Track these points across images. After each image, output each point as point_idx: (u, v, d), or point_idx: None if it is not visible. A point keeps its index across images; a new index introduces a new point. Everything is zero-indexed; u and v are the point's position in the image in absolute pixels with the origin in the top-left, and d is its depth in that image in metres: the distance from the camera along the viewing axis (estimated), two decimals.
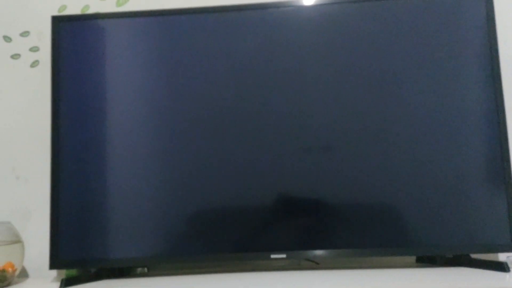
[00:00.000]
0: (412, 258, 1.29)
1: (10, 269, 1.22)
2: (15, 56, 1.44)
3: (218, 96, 1.28)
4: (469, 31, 1.25)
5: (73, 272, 1.28)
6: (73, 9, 1.44)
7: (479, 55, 1.24)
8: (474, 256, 1.21)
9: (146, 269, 1.32)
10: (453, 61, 1.25)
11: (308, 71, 1.27)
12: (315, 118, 1.25)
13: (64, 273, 1.29)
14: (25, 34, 1.45)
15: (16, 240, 1.27)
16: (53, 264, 1.23)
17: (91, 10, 1.44)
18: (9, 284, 1.24)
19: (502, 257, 1.25)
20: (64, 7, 1.44)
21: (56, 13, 1.43)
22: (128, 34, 1.32)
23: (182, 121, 1.27)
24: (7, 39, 1.45)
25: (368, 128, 1.24)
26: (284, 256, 1.20)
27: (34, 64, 1.44)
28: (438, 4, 1.27)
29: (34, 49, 1.44)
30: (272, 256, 1.20)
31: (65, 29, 1.30)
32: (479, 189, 1.21)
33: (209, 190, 1.25)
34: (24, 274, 1.36)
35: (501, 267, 1.15)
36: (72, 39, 1.31)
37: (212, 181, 1.25)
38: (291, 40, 1.28)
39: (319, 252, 1.21)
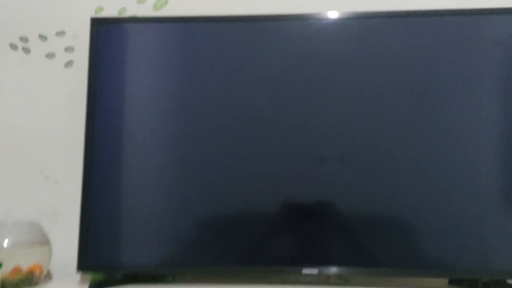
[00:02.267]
0: (444, 280, 1.27)
1: (38, 271, 1.21)
2: (50, 56, 1.44)
3: (236, 104, 1.27)
4: (502, 50, 1.24)
5: (99, 276, 1.26)
6: (110, 11, 1.44)
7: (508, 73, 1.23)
8: (510, 281, 1.18)
9: (172, 278, 1.30)
10: (479, 78, 1.23)
11: (325, 81, 1.26)
12: (332, 128, 1.25)
13: (88, 277, 1.28)
14: (61, 34, 1.44)
15: (45, 241, 1.25)
16: (81, 266, 1.22)
17: (128, 13, 1.43)
18: (34, 286, 1.22)
19: None
20: (101, 8, 1.44)
21: (93, 14, 1.42)
22: (165, 39, 1.31)
23: (205, 131, 1.26)
24: (42, 38, 1.44)
25: (388, 139, 1.23)
26: (316, 272, 1.18)
27: (68, 64, 1.43)
28: (472, 21, 1.25)
29: (69, 49, 1.43)
30: (304, 271, 1.18)
31: (103, 31, 1.30)
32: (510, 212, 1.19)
33: (236, 201, 1.24)
34: (48, 276, 1.35)
35: None
36: (109, 41, 1.30)
37: (238, 191, 1.24)
38: (313, 52, 1.27)
39: (350, 270, 1.19)
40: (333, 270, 1.19)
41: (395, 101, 1.25)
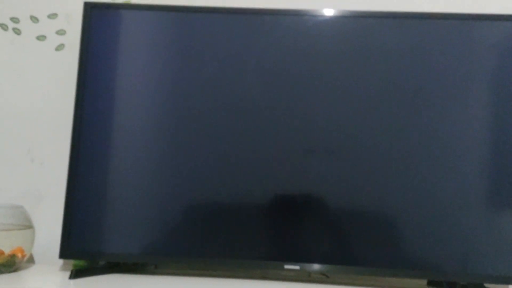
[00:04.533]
0: (423, 281, 1.28)
1: (19, 255, 1.20)
2: (41, 38, 1.42)
3: (227, 95, 1.27)
4: (496, 56, 1.25)
5: (81, 262, 1.26)
6: None
7: (501, 78, 1.24)
8: (488, 285, 1.20)
9: (154, 266, 1.30)
10: (470, 81, 1.24)
11: (317, 77, 1.26)
12: (321, 122, 1.25)
13: (71, 262, 1.27)
14: (53, 16, 1.42)
15: (28, 225, 1.25)
16: (63, 254, 1.21)
17: None
18: (16, 270, 1.22)
19: None
20: None
21: None
22: (158, 27, 1.30)
23: (195, 121, 1.26)
24: (34, 19, 1.42)
25: (379, 139, 1.24)
26: (297, 267, 1.19)
27: (60, 47, 1.41)
28: (467, 26, 1.26)
29: (61, 32, 1.42)
30: (286, 266, 1.19)
31: (96, 16, 1.28)
32: (497, 215, 1.20)
33: (223, 192, 1.24)
34: (29, 260, 1.34)
35: None
36: (102, 26, 1.29)
37: (226, 183, 1.24)
38: (307, 48, 1.27)
39: (331, 267, 1.20)
40: (315, 267, 1.20)
41: (386, 100, 1.25)
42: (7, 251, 1.18)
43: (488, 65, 1.25)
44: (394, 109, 1.25)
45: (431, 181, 1.22)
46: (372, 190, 1.23)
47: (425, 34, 1.27)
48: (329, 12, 1.27)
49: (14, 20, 1.43)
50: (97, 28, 1.28)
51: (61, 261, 1.31)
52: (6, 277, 1.18)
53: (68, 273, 1.19)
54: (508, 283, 1.21)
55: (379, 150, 1.24)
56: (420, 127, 1.24)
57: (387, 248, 1.21)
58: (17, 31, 1.42)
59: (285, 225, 1.23)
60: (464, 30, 1.26)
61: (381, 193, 1.23)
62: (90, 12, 1.28)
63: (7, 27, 1.43)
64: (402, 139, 1.24)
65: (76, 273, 1.18)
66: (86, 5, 1.28)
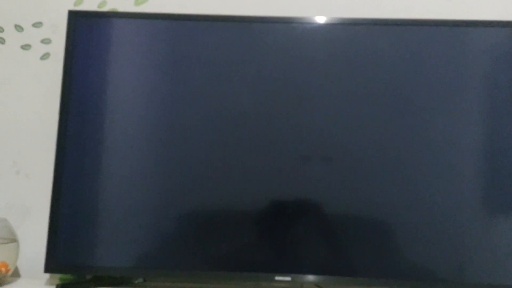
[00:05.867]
0: None
1: (3, 269, 1.18)
2: (26, 47, 1.39)
3: (221, 102, 1.25)
4: (490, 62, 1.23)
5: (68, 276, 1.24)
6: (90, 3, 1.39)
7: (496, 85, 1.23)
8: None
9: (143, 279, 1.27)
10: (465, 88, 1.24)
11: (313, 84, 1.25)
12: (315, 129, 1.23)
13: (57, 276, 1.25)
14: (38, 25, 1.40)
15: (12, 238, 1.22)
16: (49, 268, 1.18)
17: (108, 6, 1.39)
18: (0, 285, 1.19)
19: None
20: (80, 0, 1.40)
21: (72, 7, 1.38)
22: (144, 35, 1.29)
23: (187, 130, 1.24)
24: (18, 28, 1.40)
25: (375, 145, 1.22)
26: (289, 279, 1.17)
27: (45, 56, 1.39)
28: (461, 32, 1.25)
29: (46, 41, 1.39)
30: (277, 278, 1.16)
31: (81, 24, 1.26)
32: (490, 223, 1.19)
33: (211, 204, 1.22)
34: (15, 274, 1.31)
35: None
36: (87, 35, 1.27)
37: (215, 194, 1.22)
38: (301, 55, 1.25)
39: (323, 278, 1.18)
40: (307, 277, 1.18)
41: (380, 106, 1.24)
42: None
43: (481, 71, 1.24)
44: (388, 116, 1.23)
45: (427, 189, 1.20)
46: (366, 198, 1.21)
47: (417, 41, 1.26)
48: (321, 19, 1.26)
49: None
50: (82, 36, 1.26)
51: (47, 275, 1.28)
52: None
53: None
54: None
55: (373, 157, 1.22)
56: (414, 134, 1.22)
57: (381, 258, 1.19)
58: (1, 40, 1.40)
59: (277, 235, 1.21)
60: (456, 36, 1.25)
61: (375, 201, 1.21)
62: (74, 21, 1.26)
63: None
64: (396, 146, 1.22)
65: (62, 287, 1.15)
66: (71, 13, 1.26)
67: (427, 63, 1.24)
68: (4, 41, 1.40)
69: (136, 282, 1.27)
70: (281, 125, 1.23)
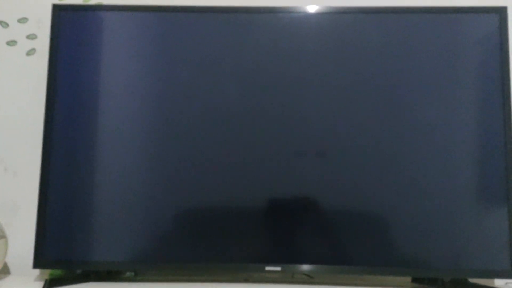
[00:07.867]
0: (408, 278, 1.26)
1: None
2: (11, 43, 1.39)
3: (213, 96, 1.24)
4: (479, 48, 1.23)
5: (58, 271, 1.23)
6: None
7: (485, 71, 1.23)
8: (472, 280, 1.18)
9: (133, 273, 1.27)
10: (456, 75, 1.24)
11: (306, 77, 1.24)
12: (312, 124, 1.23)
13: (48, 272, 1.24)
14: (23, 20, 1.39)
15: (0, 235, 1.21)
16: (37, 263, 1.18)
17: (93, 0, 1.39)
18: None
19: (500, 282, 1.23)
20: None
21: (57, 1, 1.37)
22: (130, 28, 1.28)
23: (177, 123, 1.23)
24: (3, 24, 1.39)
25: (367, 137, 1.22)
26: (279, 269, 1.16)
27: (31, 52, 1.38)
28: (449, 19, 1.25)
29: (32, 36, 1.38)
30: (267, 268, 1.16)
31: (66, 18, 1.26)
32: (481, 212, 1.19)
33: (201, 196, 1.22)
34: (5, 270, 1.31)
35: None
36: (72, 29, 1.26)
37: (205, 186, 1.21)
38: (293, 46, 1.25)
39: (314, 267, 1.18)
40: (297, 267, 1.18)
41: (374, 98, 1.23)
42: None
43: (472, 58, 1.24)
44: (381, 107, 1.23)
45: (417, 180, 1.20)
46: (356, 189, 1.21)
47: (408, 29, 1.25)
48: (311, 8, 1.25)
49: None
50: (67, 31, 1.26)
51: (37, 271, 1.27)
52: None
53: (42, 283, 1.15)
54: (491, 277, 1.19)
55: (366, 148, 1.22)
56: (407, 125, 1.22)
57: (371, 247, 1.19)
58: None
59: (267, 226, 1.21)
60: (447, 23, 1.25)
61: (365, 192, 1.21)
62: (59, 15, 1.25)
63: None
64: (389, 138, 1.22)
65: (51, 283, 1.14)
66: (55, 7, 1.26)
67: (419, 51, 1.24)
68: None
69: (127, 276, 1.26)
70: (273, 118, 1.23)
